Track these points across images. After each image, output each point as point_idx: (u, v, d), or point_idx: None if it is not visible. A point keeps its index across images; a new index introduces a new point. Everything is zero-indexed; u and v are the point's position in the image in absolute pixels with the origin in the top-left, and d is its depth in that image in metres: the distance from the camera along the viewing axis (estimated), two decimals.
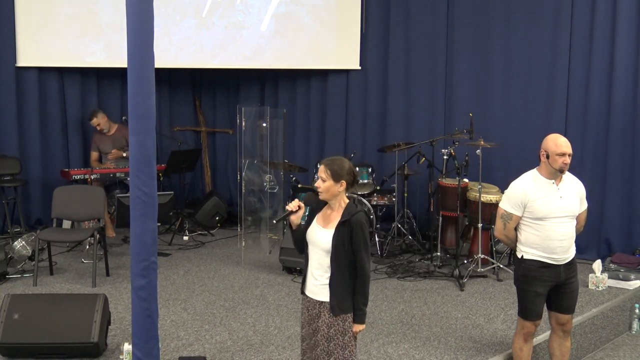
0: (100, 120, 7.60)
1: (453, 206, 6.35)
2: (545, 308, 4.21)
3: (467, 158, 6.28)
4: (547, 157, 4.02)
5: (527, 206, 4.06)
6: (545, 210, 4.01)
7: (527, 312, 4.13)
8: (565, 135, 6.93)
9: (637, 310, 5.60)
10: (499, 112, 7.33)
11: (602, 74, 6.71)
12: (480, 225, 6.22)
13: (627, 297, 5.67)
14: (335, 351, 3.33)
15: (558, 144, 4.01)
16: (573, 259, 4.13)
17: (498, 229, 4.23)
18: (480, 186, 6.20)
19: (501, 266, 6.23)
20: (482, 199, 6.21)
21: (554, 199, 4.03)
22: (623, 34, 6.55)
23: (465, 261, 6.39)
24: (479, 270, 6.20)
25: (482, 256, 6.23)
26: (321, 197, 3.38)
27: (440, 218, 6.62)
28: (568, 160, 3.99)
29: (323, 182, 3.34)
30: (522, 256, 4.11)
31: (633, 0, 6.52)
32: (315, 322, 3.40)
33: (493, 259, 6.32)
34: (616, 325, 5.49)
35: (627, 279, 5.86)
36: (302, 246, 3.49)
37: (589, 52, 6.77)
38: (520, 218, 4.11)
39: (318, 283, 3.37)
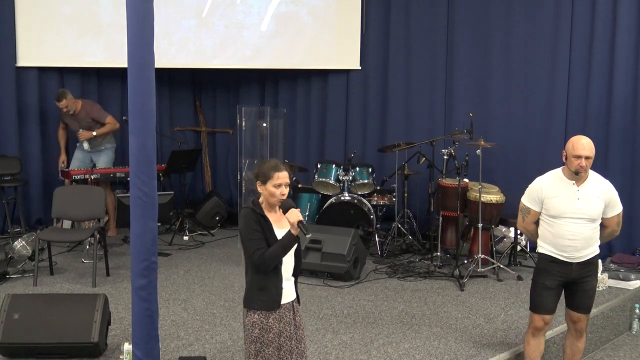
0: (68, 102, 7.25)
1: (453, 206, 6.35)
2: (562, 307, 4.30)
3: (467, 158, 6.29)
4: (566, 158, 4.07)
5: (544, 202, 4.14)
6: (559, 209, 4.08)
7: (535, 304, 4.22)
8: (565, 135, 7.02)
9: (637, 310, 5.60)
10: (499, 112, 7.33)
11: (602, 74, 6.71)
12: (480, 225, 6.22)
13: (627, 297, 5.67)
14: (304, 335, 3.45)
15: (575, 145, 4.02)
16: (590, 260, 4.14)
17: (518, 221, 4.37)
18: (480, 186, 6.20)
19: (501, 266, 6.23)
20: (482, 199, 6.21)
21: (570, 200, 4.06)
22: (623, 33, 6.56)
23: (466, 261, 6.39)
24: (479, 270, 6.20)
25: (482, 256, 6.23)
26: (285, 200, 3.29)
27: (441, 218, 6.62)
28: (584, 163, 3.99)
29: (287, 188, 3.27)
30: (538, 249, 4.24)
31: (633, 0, 6.53)
32: (291, 323, 3.35)
33: (493, 259, 6.32)
34: (616, 325, 5.50)
35: (627, 279, 5.87)
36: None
37: (589, 51, 6.78)
38: (539, 213, 4.20)
39: (292, 283, 3.37)
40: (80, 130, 7.38)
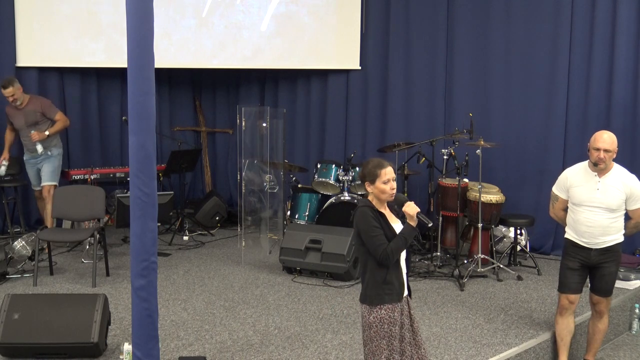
0: (15, 91, 6.74)
1: (453, 206, 6.35)
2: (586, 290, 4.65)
3: (467, 158, 6.28)
4: (589, 150, 4.36)
5: (569, 191, 4.49)
6: (579, 197, 4.42)
7: (560, 284, 4.59)
8: (565, 135, 7.00)
9: (637, 310, 5.60)
10: (499, 112, 7.33)
11: (602, 74, 6.71)
12: (480, 225, 6.22)
13: (627, 297, 5.67)
14: (419, 327, 3.55)
15: (596, 139, 4.33)
16: (610, 247, 4.43)
17: (549, 208, 4.75)
18: (480, 186, 6.20)
19: (501, 266, 6.23)
20: (482, 199, 6.21)
21: (590, 190, 4.38)
22: (623, 34, 6.55)
23: (465, 261, 6.39)
24: (479, 270, 6.20)
25: (482, 256, 6.23)
26: (396, 194, 3.43)
27: (441, 218, 6.62)
28: (602, 155, 4.29)
29: (395, 181, 3.40)
30: (565, 235, 4.58)
31: (633, 0, 6.53)
32: (408, 317, 3.45)
33: (493, 259, 6.32)
34: (616, 325, 5.49)
35: (627, 279, 5.87)
36: None
37: (589, 51, 6.78)
38: (566, 201, 4.55)
39: (406, 276, 3.46)
40: (32, 132, 6.80)
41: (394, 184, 3.36)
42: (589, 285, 4.60)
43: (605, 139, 4.30)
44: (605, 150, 4.28)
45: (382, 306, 3.33)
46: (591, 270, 4.51)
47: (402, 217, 3.44)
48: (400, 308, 3.37)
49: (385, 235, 3.31)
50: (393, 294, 3.34)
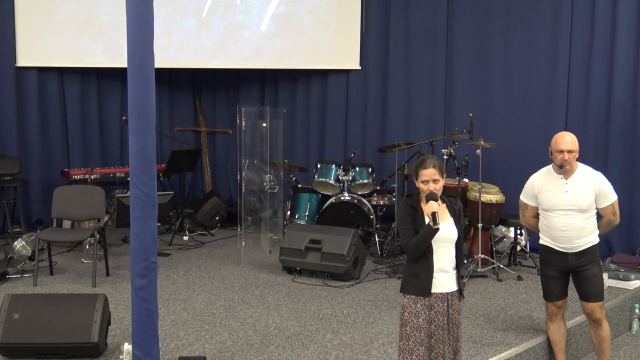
0: None
1: None
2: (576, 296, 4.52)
3: (467, 158, 6.29)
4: (552, 154, 4.30)
5: (538, 197, 4.41)
6: (549, 202, 4.33)
7: (544, 292, 4.52)
8: None
9: (637, 310, 5.60)
10: (499, 112, 7.33)
11: (602, 74, 6.71)
12: (480, 225, 6.22)
13: (627, 297, 5.66)
14: (460, 333, 3.55)
15: (558, 141, 4.26)
16: (587, 249, 4.33)
17: (520, 217, 4.67)
18: (480, 186, 6.20)
19: (501, 266, 6.23)
20: (482, 199, 6.21)
21: (559, 193, 4.29)
22: (623, 33, 6.55)
23: (465, 261, 6.39)
24: (479, 270, 6.20)
25: (482, 256, 6.23)
26: (430, 193, 3.42)
27: None
28: (567, 156, 4.22)
29: (437, 183, 3.41)
30: (539, 241, 4.50)
31: (633, 0, 6.53)
32: (443, 315, 3.46)
33: (493, 259, 6.32)
34: (616, 325, 5.49)
35: (627, 279, 5.87)
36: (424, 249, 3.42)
37: (589, 52, 6.78)
38: (535, 208, 4.47)
39: (449, 275, 3.47)
40: None
41: (432, 186, 3.40)
42: (578, 294, 4.44)
43: (567, 140, 4.24)
44: (569, 151, 4.22)
45: (406, 295, 3.46)
46: (573, 275, 4.40)
47: (454, 214, 3.54)
48: (428, 303, 3.42)
49: (414, 230, 3.41)
50: (417, 287, 3.42)
